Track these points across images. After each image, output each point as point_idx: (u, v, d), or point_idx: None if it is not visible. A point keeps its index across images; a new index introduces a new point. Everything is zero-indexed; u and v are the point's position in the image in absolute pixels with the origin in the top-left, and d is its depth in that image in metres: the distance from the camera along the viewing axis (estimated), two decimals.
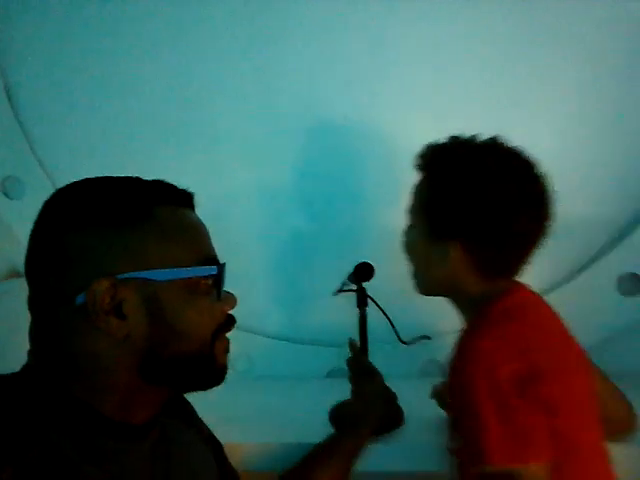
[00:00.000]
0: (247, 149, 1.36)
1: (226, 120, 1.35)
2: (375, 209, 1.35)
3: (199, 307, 0.62)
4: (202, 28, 1.31)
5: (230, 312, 0.68)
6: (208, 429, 0.82)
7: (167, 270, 0.60)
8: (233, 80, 1.34)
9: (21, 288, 1.26)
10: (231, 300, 0.67)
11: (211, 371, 0.66)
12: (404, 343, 1.23)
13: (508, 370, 0.73)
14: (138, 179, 0.65)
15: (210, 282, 0.64)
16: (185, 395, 0.79)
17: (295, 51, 1.32)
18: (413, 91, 1.32)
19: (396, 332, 1.21)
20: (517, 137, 1.28)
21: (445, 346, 1.27)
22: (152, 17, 1.31)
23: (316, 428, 1.07)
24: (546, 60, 1.29)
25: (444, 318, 1.29)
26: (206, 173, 1.36)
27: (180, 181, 1.18)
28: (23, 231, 1.29)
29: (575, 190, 1.31)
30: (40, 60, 1.33)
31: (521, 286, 0.87)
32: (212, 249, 0.67)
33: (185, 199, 0.67)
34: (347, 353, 1.31)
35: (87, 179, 0.65)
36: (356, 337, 1.16)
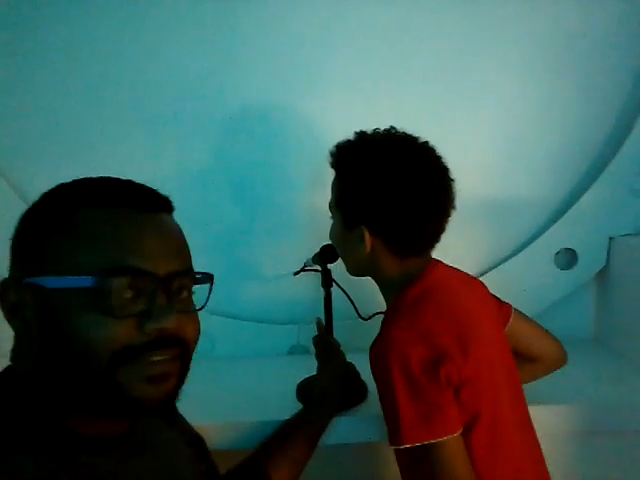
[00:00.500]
0: (178, 134, 1.35)
1: (158, 103, 1.33)
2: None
3: (91, 323, 0.54)
4: None
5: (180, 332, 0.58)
6: (191, 428, 0.81)
7: (53, 278, 0.56)
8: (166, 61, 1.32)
9: None
10: (157, 320, 0.56)
11: (119, 401, 0.56)
12: (363, 319, 1.29)
13: (417, 356, 0.83)
14: (88, 180, 0.62)
15: (116, 296, 0.55)
16: None
17: (231, 33, 1.32)
18: (350, 79, 1.35)
19: (356, 309, 1.26)
20: (457, 121, 1.37)
21: None
22: None
23: (282, 404, 1.11)
24: (481, 40, 1.35)
25: None
26: (140, 157, 1.34)
27: (114, 165, 1.18)
28: None
29: (516, 171, 1.41)
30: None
31: (435, 265, 0.97)
32: (134, 257, 0.57)
33: (115, 198, 0.59)
34: (309, 330, 1.35)
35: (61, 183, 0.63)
36: (319, 315, 1.20)
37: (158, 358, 0.57)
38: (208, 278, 0.65)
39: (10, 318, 0.59)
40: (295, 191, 1.38)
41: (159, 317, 0.56)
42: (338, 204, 0.97)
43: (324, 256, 1.11)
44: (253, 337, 1.39)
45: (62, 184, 0.62)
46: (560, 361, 1.06)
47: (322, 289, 1.16)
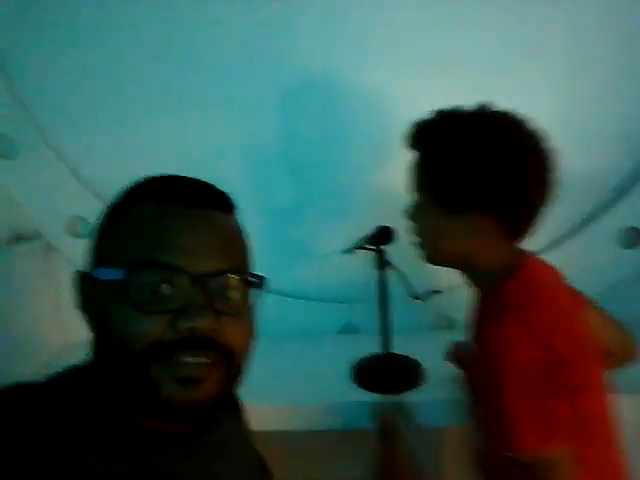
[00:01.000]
0: (233, 112, 1.31)
1: (211, 82, 1.29)
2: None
3: (123, 317, 0.54)
4: None
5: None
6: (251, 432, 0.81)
7: (101, 270, 0.58)
8: (218, 41, 1.27)
9: (25, 253, 1.25)
10: (189, 318, 0.54)
11: (152, 399, 0.55)
12: (417, 299, 1.26)
13: (533, 357, 0.76)
14: (150, 177, 0.63)
15: (147, 291, 0.54)
16: None
17: (281, 9, 1.26)
18: (407, 51, 1.27)
19: (412, 289, 1.23)
20: (515, 94, 1.30)
21: (453, 300, 1.34)
22: None
23: (335, 385, 1.12)
24: (541, 16, 1.27)
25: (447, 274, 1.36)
26: (194, 136, 1.31)
27: (163, 144, 1.13)
28: (20, 192, 1.27)
29: (576, 146, 1.34)
30: (27, 10, 1.23)
31: (530, 257, 0.91)
32: (169, 252, 0.55)
33: (169, 194, 0.59)
34: (360, 309, 1.35)
35: None
36: (369, 294, 1.18)
37: (190, 360, 0.55)
38: (260, 281, 0.62)
39: (84, 310, 0.61)
40: (351, 171, 1.34)
41: (192, 315, 0.54)
42: (434, 189, 0.87)
43: (379, 238, 1.08)
44: (305, 315, 1.38)
45: (133, 182, 0.63)
46: (632, 356, 0.99)
47: (376, 270, 1.13)
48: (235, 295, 0.59)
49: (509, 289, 0.85)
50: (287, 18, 1.26)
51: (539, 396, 0.76)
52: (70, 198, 1.30)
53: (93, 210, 1.24)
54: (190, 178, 0.62)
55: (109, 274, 0.56)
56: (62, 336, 1.30)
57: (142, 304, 0.54)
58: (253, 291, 0.62)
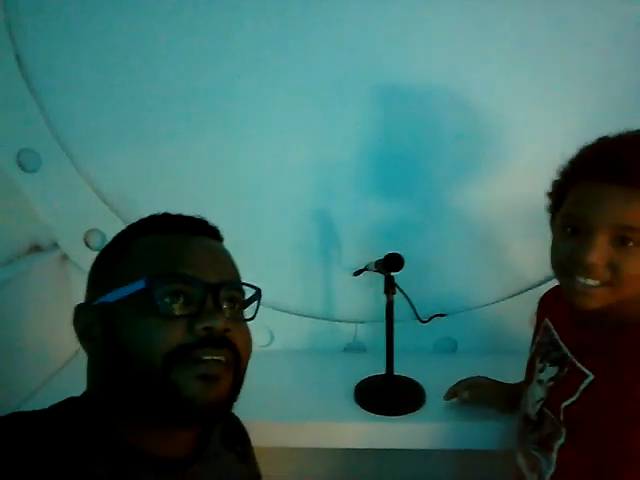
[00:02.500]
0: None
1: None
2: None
3: (146, 326, 0.59)
4: None
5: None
6: (258, 470, 0.84)
7: (114, 291, 0.62)
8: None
9: (41, 263, 1.29)
10: (205, 320, 0.60)
11: (173, 402, 0.59)
12: (422, 321, 1.29)
13: None
14: (148, 217, 0.70)
15: (168, 299, 0.60)
16: None
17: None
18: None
19: (416, 312, 1.26)
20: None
21: (456, 323, 1.37)
22: None
23: (338, 404, 1.14)
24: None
25: (456, 297, 1.38)
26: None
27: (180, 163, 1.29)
28: (41, 204, 1.32)
29: None
30: (53, 28, 1.28)
31: None
32: (185, 266, 0.62)
33: (167, 226, 0.67)
34: (366, 328, 1.37)
35: None
36: (377, 316, 1.21)
37: (208, 357, 0.60)
38: (256, 292, 0.70)
39: (82, 339, 0.65)
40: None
41: (207, 318, 0.60)
42: None
43: (389, 264, 1.11)
44: (311, 333, 1.41)
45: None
46: None
47: (381, 295, 1.16)
48: (238, 305, 0.67)
49: None
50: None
51: None
52: (88, 212, 1.35)
53: (110, 224, 1.31)
54: (181, 215, 0.70)
55: (125, 291, 0.61)
56: (76, 345, 1.34)
57: (162, 311, 0.59)
58: (249, 302, 0.70)
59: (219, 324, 0.60)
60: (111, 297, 0.62)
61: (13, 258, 1.26)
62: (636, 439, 0.75)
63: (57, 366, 1.30)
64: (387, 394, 1.15)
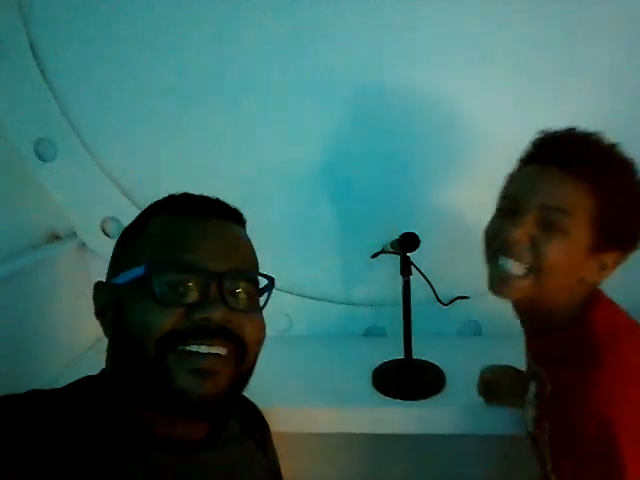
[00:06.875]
0: (281, 125, 1.31)
1: (256, 92, 1.29)
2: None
3: (144, 310, 0.58)
4: None
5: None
6: (276, 457, 0.82)
7: (122, 274, 0.62)
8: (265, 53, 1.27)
9: (60, 252, 1.30)
10: (204, 309, 0.58)
11: (166, 391, 0.58)
12: (443, 304, 1.25)
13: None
14: (170, 195, 0.69)
15: (166, 288, 0.58)
16: None
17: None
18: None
19: (436, 294, 1.22)
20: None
21: (480, 306, 1.32)
22: None
23: (356, 390, 1.12)
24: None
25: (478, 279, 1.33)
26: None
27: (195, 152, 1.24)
28: (59, 193, 1.33)
29: None
30: (67, 16, 1.28)
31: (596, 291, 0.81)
32: (187, 252, 0.60)
33: (183, 207, 0.65)
34: (385, 312, 1.34)
35: None
36: (399, 299, 1.17)
37: (205, 351, 0.58)
38: (270, 282, 0.66)
39: (98, 316, 0.66)
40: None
41: (207, 307, 0.58)
42: (597, 223, 0.74)
43: (404, 244, 1.07)
44: (330, 317, 1.38)
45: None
46: None
47: (400, 276, 1.12)
48: (246, 293, 0.63)
49: (597, 323, 0.76)
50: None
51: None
52: (105, 200, 1.35)
53: (126, 212, 1.30)
54: (201, 195, 0.68)
55: (129, 275, 0.61)
56: (95, 332, 1.35)
57: (161, 297, 0.58)
58: (263, 291, 0.67)
59: (218, 315, 0.58)
60: (119, 279, 0.62)
61: (33, 247, 1.28)
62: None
63: (77, 353, 1.31)
64: (405, 378, 1.11)
